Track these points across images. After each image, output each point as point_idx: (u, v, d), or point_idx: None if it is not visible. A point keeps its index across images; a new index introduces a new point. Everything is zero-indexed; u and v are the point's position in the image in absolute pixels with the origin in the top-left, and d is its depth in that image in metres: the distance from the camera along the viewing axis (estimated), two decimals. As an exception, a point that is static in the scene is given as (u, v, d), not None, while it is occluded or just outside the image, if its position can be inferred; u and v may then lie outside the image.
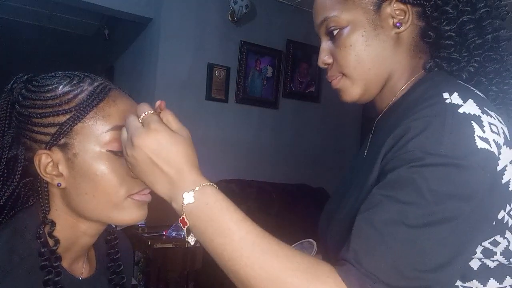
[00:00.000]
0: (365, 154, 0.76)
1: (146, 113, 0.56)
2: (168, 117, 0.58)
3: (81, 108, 0.60)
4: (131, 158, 0.55)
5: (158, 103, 0.59)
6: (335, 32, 0.69)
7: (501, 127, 0.58)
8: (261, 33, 3.36)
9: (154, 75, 2.99)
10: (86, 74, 0.66)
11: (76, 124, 0.60)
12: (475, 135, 0.55)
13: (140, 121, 0.56)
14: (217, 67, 3.17)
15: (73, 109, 0.60)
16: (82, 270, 0.68)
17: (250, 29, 3.31)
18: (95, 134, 0.60)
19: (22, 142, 0.62)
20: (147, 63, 3.22)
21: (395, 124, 0.62)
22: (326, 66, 0.74)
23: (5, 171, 0.63)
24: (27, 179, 0.64)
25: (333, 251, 0.71)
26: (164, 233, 2.21)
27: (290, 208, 3.12)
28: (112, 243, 0.77)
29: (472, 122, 0.56)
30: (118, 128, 0.61)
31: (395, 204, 0.54)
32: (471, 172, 0.54)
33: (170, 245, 2.17)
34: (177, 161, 0.55)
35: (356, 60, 0.69)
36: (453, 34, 0.66)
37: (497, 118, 0.59)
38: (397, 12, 0.68)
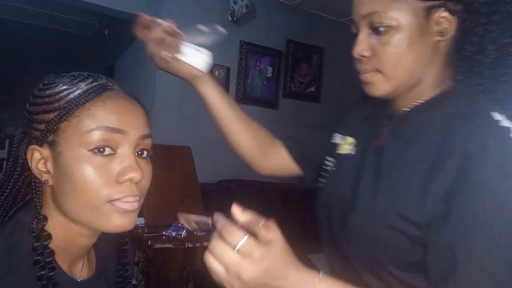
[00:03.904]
0: (384, 144, 0.77)
1: (242, 241, 0.52)
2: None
3: (67, 106, 0.59)
4: None
5: (249, 218, 0.55)
6: (381, 29, 0.69)
7: None
8: (261, 33, 3.36)
9: (154, 75, 3.00)
10: (91, 74, 0.65)
11: (62, 122, 0.59)
12: None
13: (237, 249, 0.52)
14: (217, 67, 3.17)
15: (61, 107, 0.60)
16: (81, 272, 0.68)
17: (250, 29, 3.31)
18: (79, 133, 0.59)
19: (26, 137, 0.64)
20: (147, 63, 3.19)
21: (443, 135, 0.67)
22: (361, 58, 0.73)
23: (13, 164, 0.65)
24: (26, 174, 0.65)
25: (356, 255, 0.74)
26: (164, 233, 2.20)
27: (290, 208, 3.12)
28: (123, 247, 0.76)
29: None
30: (101, 129, 0.59)
31: (497, 247, 0.57)
32: None
33: (170, 245, 2.16)
34: (288, 273, 0.55)
35: (397, 60, 0.69)
36: (493, 54, 0.69)
37: None
38: (442, 20, 0.69)
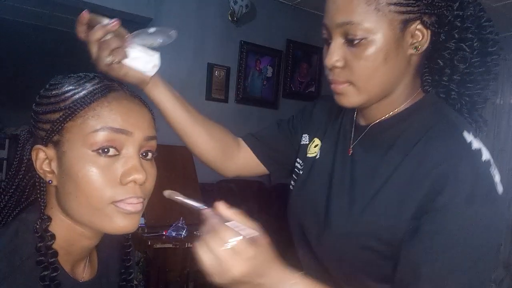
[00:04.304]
0: (355, 154, 0.77)
1: (235, 240, 0.55)
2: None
3: (73, 106, 0.59)
4: (228, 284, 0.56)
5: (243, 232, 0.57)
6: (356, 41, 0.66)
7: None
8: (261, 33, 3.36)
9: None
10: (98, 75, 0.66)
11: (67, 122, 0.59)
12: (495, 181, 0.63)
13: (229, 247, 0.55)
14: (217, 67, 3.17)
15: (66, 107, 0.60)
16: (83, 273, 0.68)
17: (250, 29, 3.31)
18: (83, 134, 0.59)
19: (32, 137, 0.64)
20: (147, 63, 3.21)
21: (418, 150, 0.67)
22: (333, 69, 0.70)
23: (18, 163, 0.65)
24: (31, 174, 0.65)
25: (329, 264, 0.76)
26: (164, 233, 2.21)
27: (290, 208, 3.12)
28: (126, 250, 0.76)
29: (490, 169, 0.64)
30: (106, 129, 0.59)
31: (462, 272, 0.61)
32: (502, 218, 0.64)
33: (170, 245, 2.16)
34: (271, 272, 0.57)
35: (371, 74, 0.67)
36: (462, 70, 0.70)
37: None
38: (417, 33, 0.68)
